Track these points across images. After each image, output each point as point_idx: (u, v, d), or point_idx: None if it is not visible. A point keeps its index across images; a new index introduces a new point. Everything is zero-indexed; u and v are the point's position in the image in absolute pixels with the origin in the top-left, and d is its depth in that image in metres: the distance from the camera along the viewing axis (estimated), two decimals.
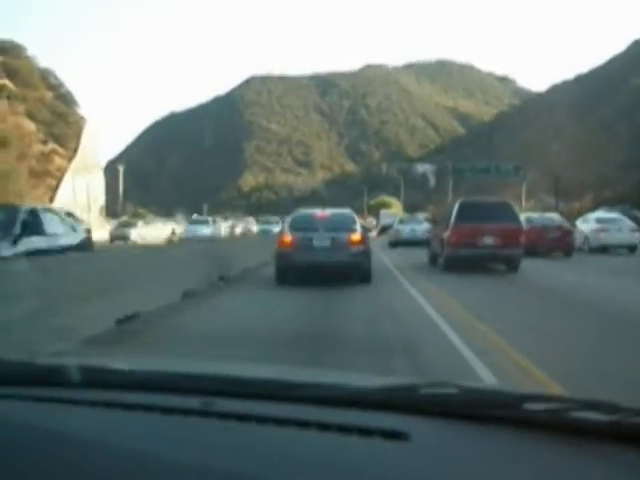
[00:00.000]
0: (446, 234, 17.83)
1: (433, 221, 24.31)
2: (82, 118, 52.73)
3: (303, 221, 15.26)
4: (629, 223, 27.58)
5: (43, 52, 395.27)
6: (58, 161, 45.94)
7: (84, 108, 52.58)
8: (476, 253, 17.41)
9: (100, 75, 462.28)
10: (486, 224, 17.42)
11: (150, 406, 1.44)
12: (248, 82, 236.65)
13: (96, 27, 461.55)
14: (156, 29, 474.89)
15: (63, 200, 42.97)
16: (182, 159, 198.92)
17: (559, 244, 24.28)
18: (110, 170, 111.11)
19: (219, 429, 1.36)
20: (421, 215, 45.96)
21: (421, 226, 31.71)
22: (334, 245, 14.15)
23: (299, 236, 14.40)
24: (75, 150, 49.04)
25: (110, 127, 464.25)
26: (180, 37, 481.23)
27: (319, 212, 15.69)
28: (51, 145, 46.28)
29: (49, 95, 50.99)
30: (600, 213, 31.45)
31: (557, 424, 1.33)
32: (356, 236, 14.42)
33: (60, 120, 48.84)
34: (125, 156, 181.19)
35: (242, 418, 1.38)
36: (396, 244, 31.76)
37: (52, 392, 1.55)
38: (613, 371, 5.87)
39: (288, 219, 15.99)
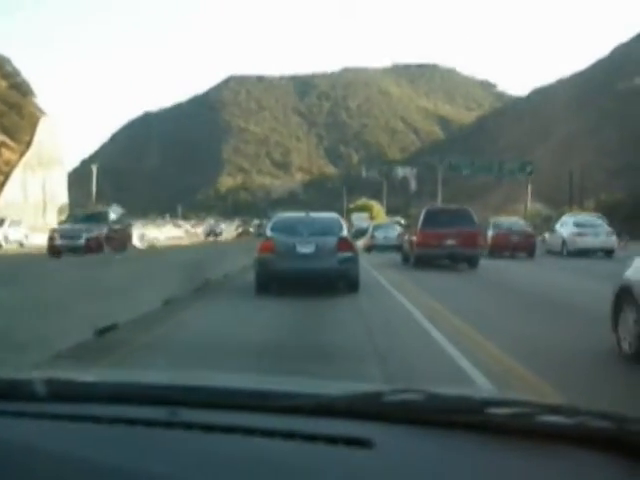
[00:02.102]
0: (415, 237, 21.05)
1: (407, 226, 27.36)
2: (39, 110, 48.93)
3: (285, 225, 14.32)
4: (607, 227, 28.24)
5: (7, 43, 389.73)
6: (7, 154, 42.12)
7: (44, 100, 49.20)
8: (440, 253, 20.63)
9: (75, 72, 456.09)
10: (448, 228, 20.25)
11: (116, 418, 1.44)
12: (226, 82, 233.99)
13: (72, 23, 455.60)
14: (133, 26, 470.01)
15: (10, 197, 39.54)
16: (158, 159, 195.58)
17: (523, 246, 26.97)
18: (84, 169, 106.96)
19: (184, 439, 1.36)
20: (397, 220, 46.60)
21: (394, 232, 33.11)
22: (319, 251, 13.16)
23: (281, 241, 13.41)
24: (28, 144, 45.30)
25: (85, 125, 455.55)
26: (158, 35, 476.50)
27: (303, 215, 14.93)
28: (0, 137, 42.55)
29: (2, 84, 47.29)
30: (579, 217, 31.79)
31: (520, 428, 1.34)
32: (343, 241, 13.55)
33: (12, 111, 45.09)
34: (100, 155, 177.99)
35: (208, 428, 1.38)
36: (370, 249, 32.66)
37: (16, 406, 1.52)
38: (507, 325, 9.30)
39: (269, 223, 15.23)
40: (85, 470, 1.24)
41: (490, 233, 27.46)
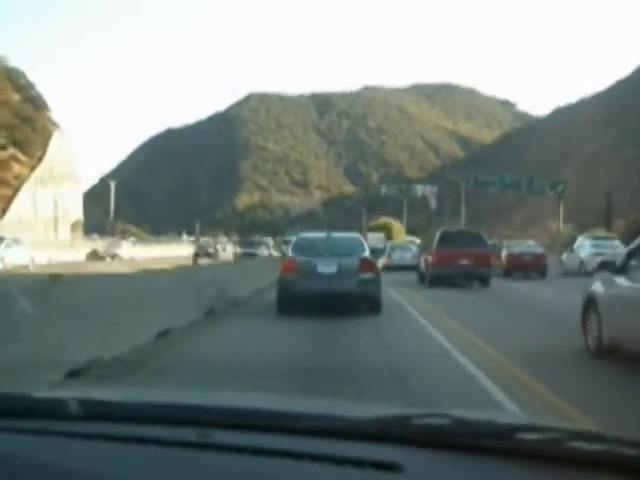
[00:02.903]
0: (430, 257, 22.49)
1: (423, 246, 28.92)
2: (53, 124, 48.14)
3: (307, 244, 14.47)
4: (624, 248, 27.36)
5: (24, 57, 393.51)
6: (17, 168, 41.20)
7: (60, 114, 48.30)
8: (454, 272, 21.86)
9: (96, 88, 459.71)
10: (462, 249, 21.86)
11: (147, 438, 1.46)
12: (246, 100, 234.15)
13: (93, 38, 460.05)
14: (155, 44, 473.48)
15: (20, 212, 38.56)
16: (177, 176, 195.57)
17: (535, 267, 28.36)
18: (102, 186, 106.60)
19: (215, 461, 1.39)
20: (411, 240, 48.89)
21: (411, 252, 34.55)
22: (341, 272, 13.17)
23: (303, 261, 13.47)
24: (40, 158, 44.42)
25: (104, 142, 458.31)
26: (179, 52, 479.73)
27: (324, 235, 14.97)
28: (11, 150, 41.72)
29: (15, 97, 46.60)
30: (596, 238, 32.10)
31: (548, 454, 1.35)
32: (365, 262, 13.50)
33: (25, 124, 44.25)
34: (118, 172, 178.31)
35: (238, 450, 1.39)
36: (387, 268, 32.76)
37: (50, 425, 1.56)
38: (506, 327, 11.74)
39: (292, 242, 15.54)
40: None
41: (504, 254, 29.24)
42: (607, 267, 9.61)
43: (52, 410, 1.63)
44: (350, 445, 1.42)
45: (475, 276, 22.16)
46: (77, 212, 53.10)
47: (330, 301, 13.15)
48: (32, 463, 1.35)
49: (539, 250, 30.12)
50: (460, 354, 8.55)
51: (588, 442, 1.37)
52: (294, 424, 1.52)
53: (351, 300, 13.29)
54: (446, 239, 22.67)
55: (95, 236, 64.36)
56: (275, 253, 47.77)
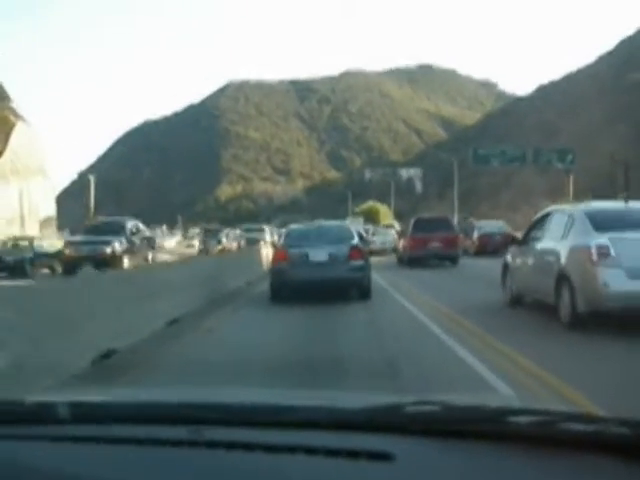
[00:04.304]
0: (406, 241, 26.19)
1: (401, 232, 31.75)
2: (16, 116, 45.27)
3: (299, 235, 15.15)
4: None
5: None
6: None
7: (23, 106, 45.35)
8: (427, 254, 25.04)
9: (71, 83, 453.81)
10: (433, 234, 24.98)
11: (138, 439, 1.48)
12: (224, 89, 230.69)
13: (68, 32, 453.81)
14: (129, 35, 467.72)
15: None
16: (156, 169, 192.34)
17: (504, 246, 32.92)
18: (82, 181, 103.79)
19: (208, 458, 1.39)
20: (389, 224, 52.29)
21: (390, 237, 37.58)
22: (332, 260, 13.75)
23: (294, 251, 14.07)
24: (1, 152, 41.61)
25: (81, 137, 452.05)
26: (154, 43, 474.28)
27: (315, 224, 16.31)
28: None
29: None
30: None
31: (540, 436, 1.37)
32: (355, 250, 14.10)
33: None
34: (97, 167, 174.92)
35: (230, 446, 1.40)
36: (370, 253, 32.90)
37: (40, 430, 1.57)
38: (456, 292, 15.55)
39: (283, 233, 16.51)
40: None
41: (475, 235, 32.52)
42: (515, 241, 13.03)
43: (41, 414, 1.64)
44: (342, 436, 1.43)
45: (445, 257, 25.38)
46: (48, 208, 50.34)
47: (322, 288, 13.70)
48: (22, 468, 1.35)
49: (507, 231, 31.38)
50: (420, 312, 11.66)
51: (579, 423, 1.40)
52: (286, 418, 1.53)
53: (342, 287, 13.86)
54: (419, 225, 26.14)
55: (67, 233, 61.46)
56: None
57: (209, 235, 45.35)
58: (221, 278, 15.58)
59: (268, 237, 41.98)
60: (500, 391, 5.86)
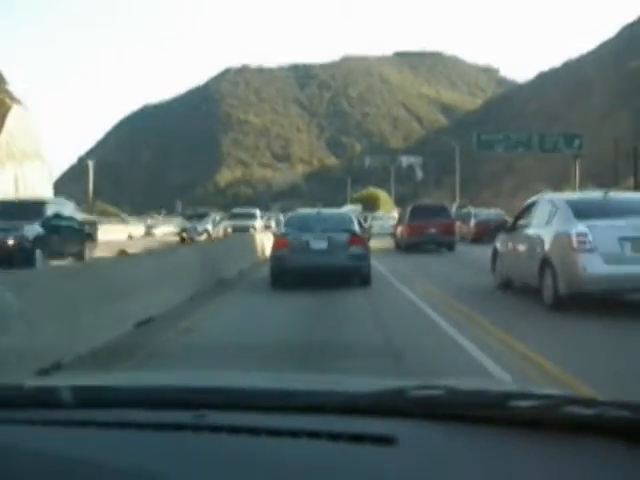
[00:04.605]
0: (404, 228, 26.76)
1: (399, 218, 31.63)
2: (12, 99, 44.81)
3: (299, 221, 15.31)
4: None
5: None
6: None
7: (19, 88, 44.72)
8: (424, 240, 25.77)
9: (71, 67, 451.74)
10: (429, 221, 25.66)
11: (142, 423, 1.48)
12: (225, 74, 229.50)
13: (68, 17, 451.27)
14: (129, 19, 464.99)
15: None
16: (156, 154, 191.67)
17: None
18: (81, 166, 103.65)
19: (211, 442, 1.40)
20: (392, 213, 53.83)
21: (389, 223, 38.51)
22: (332, 247, 13.89)
23: (295, 237, 14.23)
24: None
25: (82, 121, 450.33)
26: (154, 28, 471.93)
27: (315, 212, 16.32)
28: None
29: None
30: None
31: (542, 421, 1.39)
32: (355, 237, 14.24)
33: None
34: (97, 151, 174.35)
35: (234, 430, 1.41)
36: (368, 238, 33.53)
37: (43, 414, 1.56)
38: (451, 276, 16.36)
39: (284, 219, 16.82)
40: (115, 476, 1.27)
41: (472, 222, 32.92)
42: (504, 227, 14.11)
43: (45, 399, 1.64)
44: (345, 420, 1.45)
45: (441, 243, 26.15)
46: (45, 193, 50.03)
47: (322, 275, 13.89)
48: (26, 453, 1.36)
49: (504, 217, 31.75)
50: (415, 295, 12.18)
51: (581, 407, 1.41)
52: (289, 402, 1.54)
53: (342, 274, 13.94)
54: (416, 213, 26.90)
55: None
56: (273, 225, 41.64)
57: (194, 220, 39.73)
58: (199, 272, 13.79)
59: (259, 224, 38.53)
60: (479, 360, 6.71)
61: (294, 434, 1.37)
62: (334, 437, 1.36)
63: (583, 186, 56.12)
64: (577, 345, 7.59)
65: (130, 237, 50.65)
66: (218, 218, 41.22)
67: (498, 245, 13.30)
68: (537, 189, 60.89)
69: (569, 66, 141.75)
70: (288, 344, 7.79)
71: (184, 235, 36.98)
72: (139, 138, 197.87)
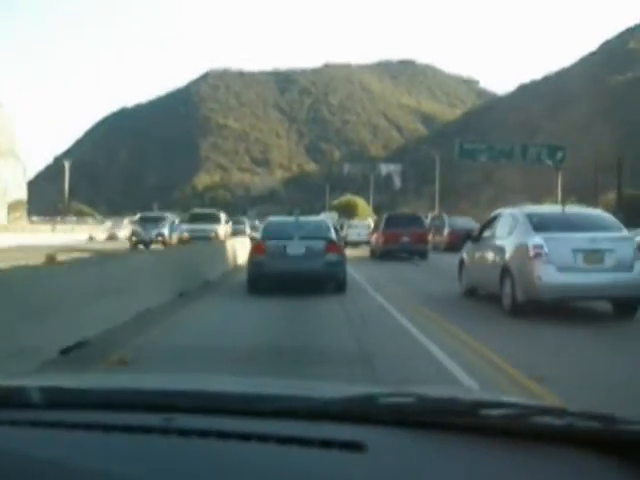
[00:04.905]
0: (379, 236, 27.30)
1: (374, 227, 32.06)
2: None
3: (277, 228, 15.45)
4: None
5: None
6: None
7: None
8: (398, 248, 26.46)
9: (50, 65, 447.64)
10: (403, 230, 26.43)
11: (111, 425, 1.46)
12: (205, 77, 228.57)
13: (45, 18, 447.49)
14: (111, 21, 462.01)
15: None
16: (133, 156, 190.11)
17: None
18: (57, 166, 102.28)
19: (180, 446, 1.38)
20: (368, 220, 52.70)
21: (365, 230, 38.09)
22: (308, 253, 14.13)
23: (272, 243, 14.39)
24: None
25: (58, 122, 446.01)
26: (136, 29, 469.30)
27: (292, 219, 16.04)
28: None
29: None
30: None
31: (512, 430, 1.39)
32: (332, 244, 14.52)
33: None
34: (74, 152, 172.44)
35: (203, 434, 1.40)
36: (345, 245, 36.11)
37: (11, 414, 1.55)
38: (420, 283, 17.41)
39: (262, 225, 16.74)
40: (83, 478, 1.26)
41: (446, 231, 33.50)
42: (470, 238, 14.06)
43: (14, 399, 1.62)
44: (315, 426, 1.44)
45: (415, 251, 26.74)
46: (19, 191, 48.99)
47: (298, 281, 14.00)
48: None
49: (477, 227, 31.75)
50: (385, 300, 12.81)
51: (551, 417, 1.41)
52: (260, 407, 1.52)
53: (318, 280, 13.95)
54: (391, 222, 27.50)
55: (33, 218, 59.58)
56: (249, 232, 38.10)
57: (149, 224, 34.78)
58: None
59: (223, 231, 34.13)
60: (438, 358, 7.41)
61: (264, 439, 1.36)
62: (304, 442, 1.35)
63: (566, 199, 55.93)
64: (526, 344, 8.53)
65: (91, 238, 49.52)
66: (177, 221, 36.98)
67: (464, 255, 13.88)
68: (515, 201, 61.06)
69: (550, 79, 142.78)
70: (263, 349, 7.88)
71: (134, 239, 33.66)
72: (117, 139, 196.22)
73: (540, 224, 10.88)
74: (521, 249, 10.66)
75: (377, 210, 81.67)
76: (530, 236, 10.56)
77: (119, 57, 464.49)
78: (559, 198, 53.94)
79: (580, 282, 10.14)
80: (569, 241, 10.31)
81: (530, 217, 11.16)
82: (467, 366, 6.89)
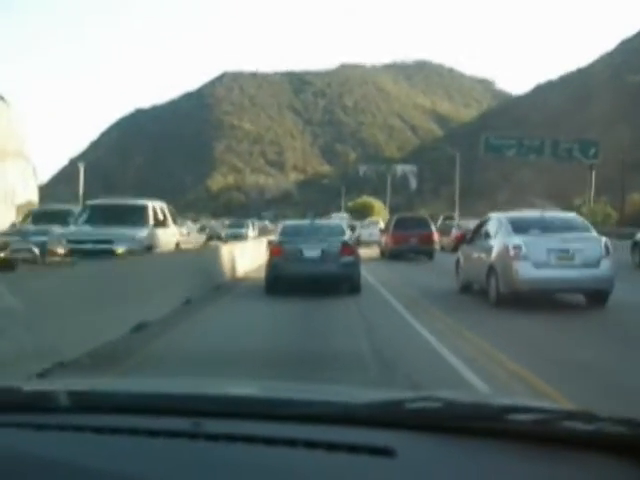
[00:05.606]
0: (388, 237, 29.11)
1: (384, 228, 33.58)
2: None
3: (293, 231, 15.92)
4: None
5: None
6: None
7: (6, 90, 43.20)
8: (406, 249, 28.06)
9: (66, 68, 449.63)
10: (411, 231, 27.96)
11: (139, 429, 1.47)
12: (220, 79, 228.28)
13: (60, 19, 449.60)
14: (125, 22, 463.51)
15: None
16: (148, 158, 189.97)
17: None
18: (72, 168, 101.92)
19: (208, 450, 1.39)
20: (370, 221, 54.02)
21: (376, 230, 39.86)
22: (324, 256, 14.50)
23: (289, 246, 14.83)
24: None
25: (74, 124, 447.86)
26: (150, 31, 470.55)
27: (309, 222, 16.87)
28: None
29: None
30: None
31: (539, 435, 1.39)
32: (347, 247, 14.87)
33: None
34: (89, 154, 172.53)
35: (231, 438, 1.41)
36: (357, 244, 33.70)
37: (40, 418, 1.56)
38: (424, 281, 18.67)
39: (278, 228, 17.24)
40: None
41: (453, 233, 33.78)
42: (465, 240, 16.05)
43: (42, 403, 1.63)
44: (343, 431, 1.44)
45: (422, 252, 28.04)
46: (29, 192, 48.28)
47: (314, 282, 14.42)
48: (22, 457, 1.35)
49: None
50: (391, 295, 14.33)
51: (579, 422, 1.41)
52: (287, 411, 1.53)
53: (333, 282, 14.51)
54: (400, 223, 29.17)
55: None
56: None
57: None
58: None
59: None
60: (432, 343, 8.63)
61: (291, 443, 1.36)
62: (332, 447, 1.34)
63: (597, 198, 53.59)
64: (509, 329, 10.09)
65: None
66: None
67: (460, 255, 15.56)
68: (533, 202, 59.87)
69: (567, 79, 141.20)
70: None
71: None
72: (131, 141, 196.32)
73: (520, 227, 12.52)
74: (503, 249, 12.29)
75: (393, 211, 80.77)
76: (510, 237, 12.25)
77: (134, 59, 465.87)
78: (591, 197, 51.43)
79: (553, 277, 11.80)
80: (544, 242, 11.96)
81: (511, 221, 12.88)
82: (440, 335, 9.11)
